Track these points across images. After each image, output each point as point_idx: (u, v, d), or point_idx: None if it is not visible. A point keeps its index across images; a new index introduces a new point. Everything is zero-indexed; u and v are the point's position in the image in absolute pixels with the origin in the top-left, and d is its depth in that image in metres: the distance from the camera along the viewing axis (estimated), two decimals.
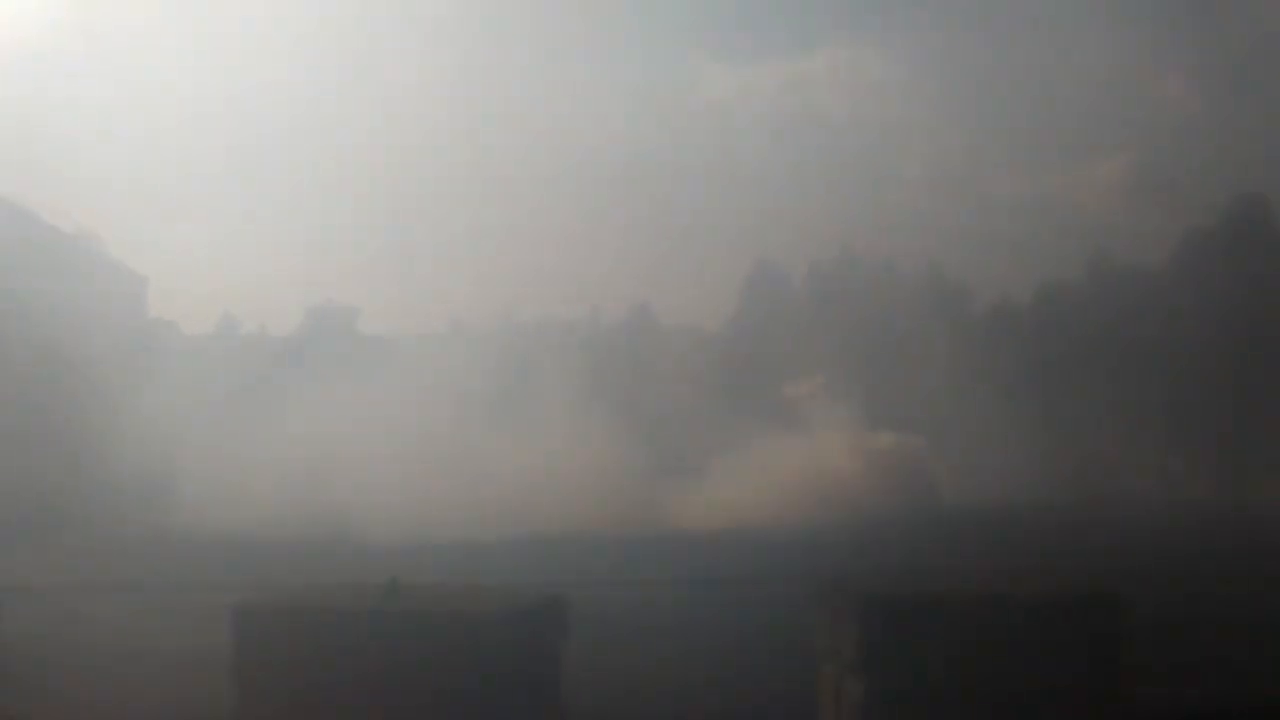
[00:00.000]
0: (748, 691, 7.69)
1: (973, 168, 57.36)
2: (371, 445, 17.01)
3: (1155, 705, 6.39)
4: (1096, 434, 28.64)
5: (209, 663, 6.89)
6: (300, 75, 66.98)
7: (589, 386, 21.73)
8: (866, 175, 61.21)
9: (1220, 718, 7.05)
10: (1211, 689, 7.40)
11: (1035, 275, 34.99)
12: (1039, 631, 6.15)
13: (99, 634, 9.47)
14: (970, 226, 47.31)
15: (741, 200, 61.21)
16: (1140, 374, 28.93)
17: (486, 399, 20.80)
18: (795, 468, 21.21)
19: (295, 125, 65.00)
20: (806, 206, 58.16)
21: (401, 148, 57.88)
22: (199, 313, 26.44)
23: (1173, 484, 26.86)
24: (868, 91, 62.51)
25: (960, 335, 31.15)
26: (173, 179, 61.61)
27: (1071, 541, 15.47)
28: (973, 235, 43.77)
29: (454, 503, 16.11)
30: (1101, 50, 49.07)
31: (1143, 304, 30.56)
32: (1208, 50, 53.87)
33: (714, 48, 76.91)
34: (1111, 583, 6.46)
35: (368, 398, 18.93)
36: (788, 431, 23.80)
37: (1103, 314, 31.06)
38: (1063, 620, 6.23)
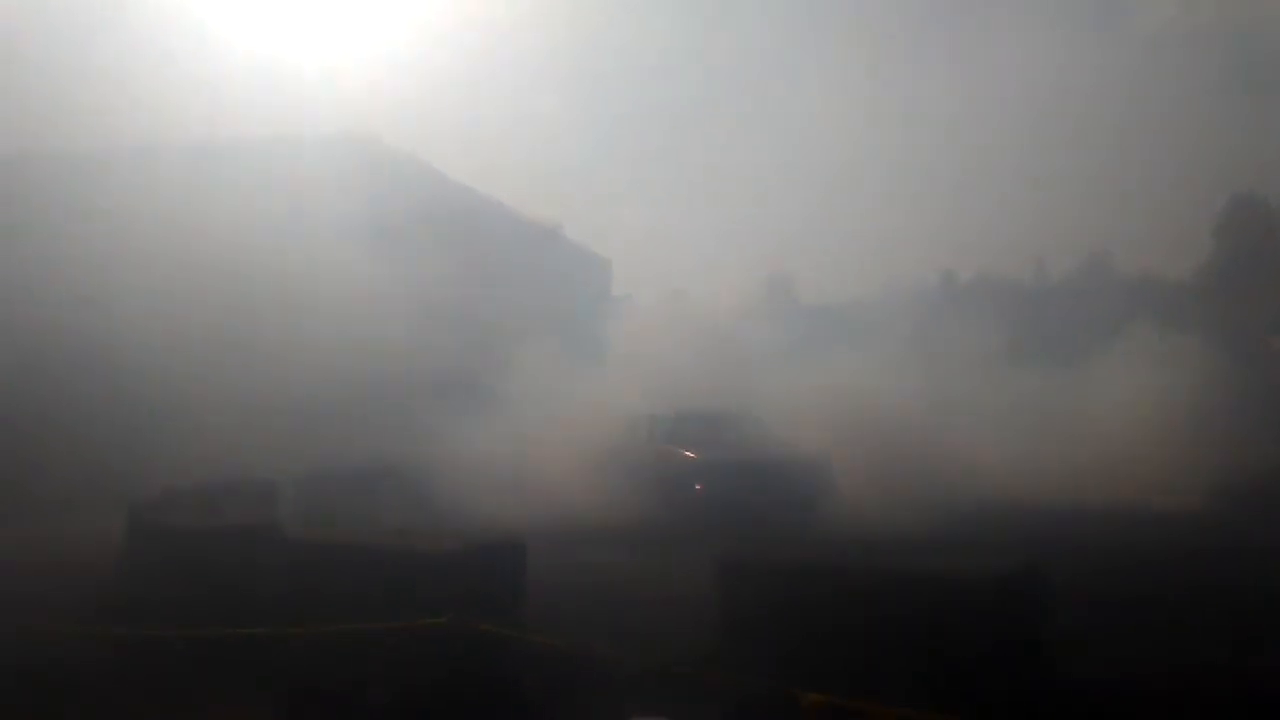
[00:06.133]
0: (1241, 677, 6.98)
1: None
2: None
3: None
4: None
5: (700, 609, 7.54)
6: (736, 60, 69.44)
7: (1031, 346, 20.53)
8: None
9: None
10: None
11: None
12: None
13: (605, 579, 10.77)
14: None
15: (1204, 131, 54.44)
16: None
17: (927, 364, 20.34)
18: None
19: (738, 107, 67.60)
20: None
21: (829, 112, 57.99)
22: (654, 289, 28.42)
23: None
24: None
25: None
26: (624, 169, 66.77)
27: None
28: None
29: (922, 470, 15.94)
30: None
31: None
32: None
33: None
34: None
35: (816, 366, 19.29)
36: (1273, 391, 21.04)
37: None
38: None
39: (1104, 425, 17.75)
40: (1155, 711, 6.34)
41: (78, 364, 19.27)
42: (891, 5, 70.96)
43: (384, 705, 6.82)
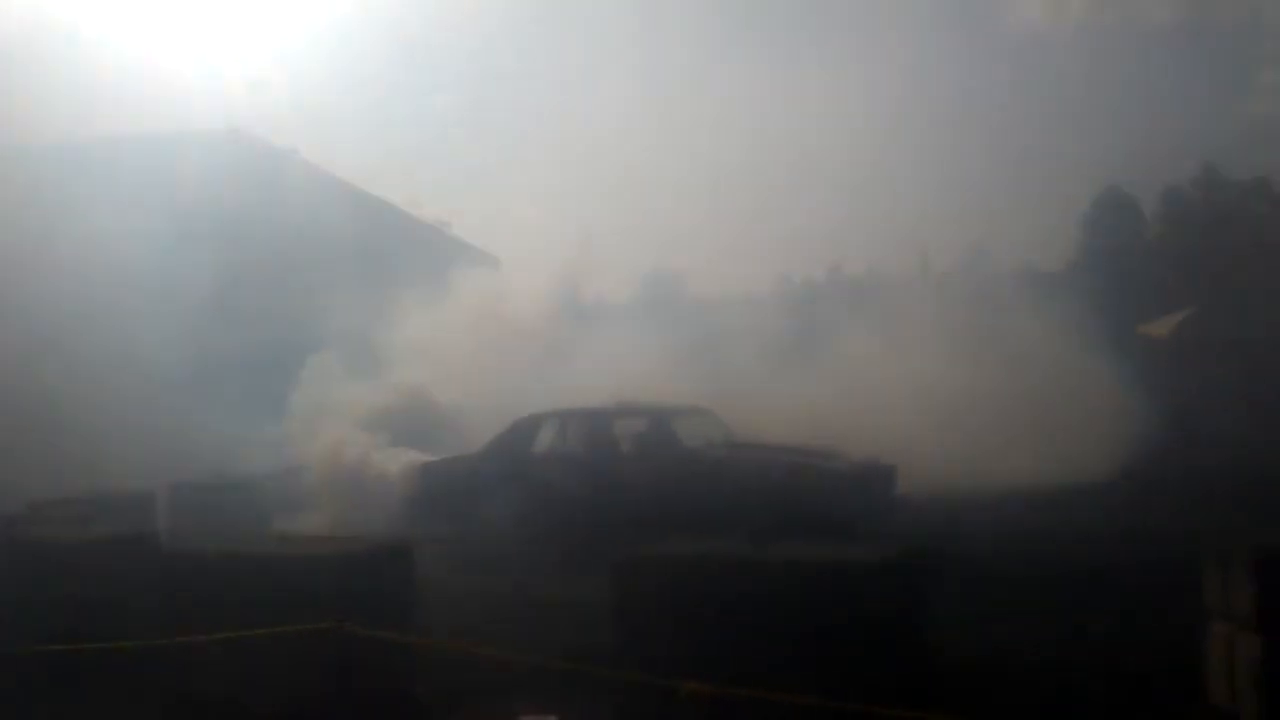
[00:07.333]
0: (1127, 647, 7.34)
1: None
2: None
3: None
4: None
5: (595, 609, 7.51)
6: (623, 59, 69.66)
7: (926, 338, 21.02)
8: (1220, 85, 55.02)
9: None
10: None
11: None
12: None
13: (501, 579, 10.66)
14: None
15: (1078, 126, 56.79)
16: None
17: (816, 356, 20.64)
18: (1151, 414, 19.48)
19: (622, 103, 67.79)
20: (1156, 125, 53.16)
21: (719, 105, 58.63)
22: (544, 289, 28.16)
23: None
24: None
25: None
26: (511, 166, 66.35)
27: None
28: None
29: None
30: None
31: None
32: None
33: None
34: None
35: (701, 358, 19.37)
36: (1146, 376, 21.99)
37: None
38: None
39: (979, 415, 18.24)
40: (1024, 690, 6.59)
41: None
42: (771, 4, 72.17)
43: (266, 714, 6.63)
